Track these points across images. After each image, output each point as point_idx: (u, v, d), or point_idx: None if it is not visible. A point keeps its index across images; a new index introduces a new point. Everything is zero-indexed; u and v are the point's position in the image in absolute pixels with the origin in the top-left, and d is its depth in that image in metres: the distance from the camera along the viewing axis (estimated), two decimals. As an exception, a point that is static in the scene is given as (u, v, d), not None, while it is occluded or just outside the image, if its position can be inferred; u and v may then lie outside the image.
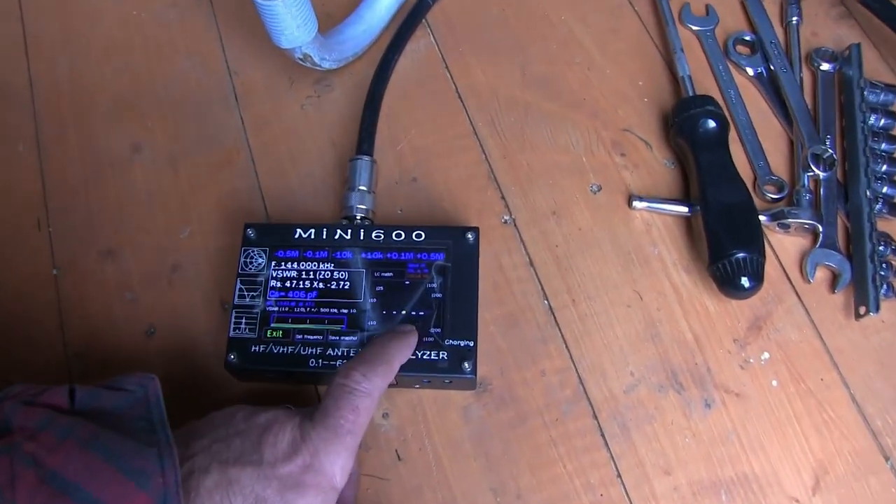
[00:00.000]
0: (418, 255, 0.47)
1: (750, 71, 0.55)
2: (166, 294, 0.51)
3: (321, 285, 0.46)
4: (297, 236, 0.47)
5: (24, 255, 0.54)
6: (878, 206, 0.49)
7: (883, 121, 0.52)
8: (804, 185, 0.51)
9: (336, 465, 0.36)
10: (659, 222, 0.51)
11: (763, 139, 0.53)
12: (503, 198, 0.53)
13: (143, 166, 0.56)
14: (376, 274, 0.46)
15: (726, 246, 0.46)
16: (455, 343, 0.44)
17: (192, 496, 0.34)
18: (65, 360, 0.50)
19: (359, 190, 0.50)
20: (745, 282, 0.45)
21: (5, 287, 0.52)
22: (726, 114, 0.52)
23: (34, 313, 0.52)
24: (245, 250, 0.47)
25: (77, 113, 0.58)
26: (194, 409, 0.40)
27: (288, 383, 0.49)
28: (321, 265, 0.47)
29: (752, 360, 0.47)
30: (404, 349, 0.42)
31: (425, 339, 0.44)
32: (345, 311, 0.46)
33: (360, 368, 0.38)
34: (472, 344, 0.44)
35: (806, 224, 0.49)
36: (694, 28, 0.58)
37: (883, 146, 0.51)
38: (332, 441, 0.36)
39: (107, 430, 0.34)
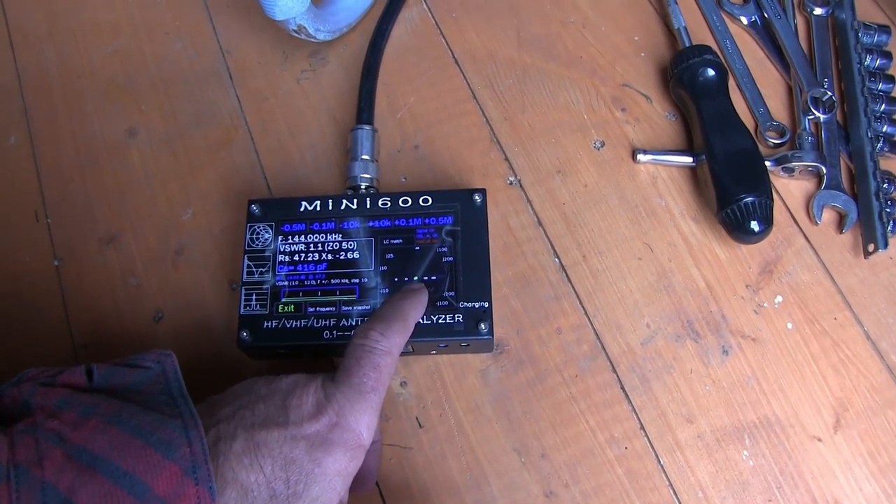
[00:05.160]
0: (426, 220, 0.46)
1: (744, 20, 0.55)
2: (172, 277, 0.51)
3: (330, 256, 0.46)
4: (302, 209, 0.47)
5: (23, 247, 0.53)
6: (879, 145, 0.50)
7: (879, 61, 0.52)
8: (805, 129, 0.51)
9: (362, 423, 0.36)
10: (664, 174, 0.51)
11: (761, 86, 0.53)
12: (507, 159, 0.52)
13: (140, 150, 0.55)
14: (385, 241, 0.46)
15: (734, 191, 0.46)
16: (470, 305, 0.44)
17: (220, 461, 0.34)
18: (73, 351, 0.49)
19: (362, 159, 0.50)
20: (754, 225, 0.46)
21: (7, 281, 0.52)
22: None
23: (39, 306, 0.51)
24: (251, 226, 0.47)
25: (68, 101, 0.57)
26: (209, 393, 0.39)
27: (302, 358, 0.48)
28: (329, 236, 0.46)
29: (765, 305, 0.47)
30: (417, 306, 0.42)
31: (439, 303, 0.44)
32: (356, 280, 0.45)
33: (377, 327, 0.39)
34: (486, 305, 0.44)
35: (810, 166, 0.49)
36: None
37: (880, 86, 0.52)
38: (357, 399, 0.36)
39: (128, 404, 0.34)
